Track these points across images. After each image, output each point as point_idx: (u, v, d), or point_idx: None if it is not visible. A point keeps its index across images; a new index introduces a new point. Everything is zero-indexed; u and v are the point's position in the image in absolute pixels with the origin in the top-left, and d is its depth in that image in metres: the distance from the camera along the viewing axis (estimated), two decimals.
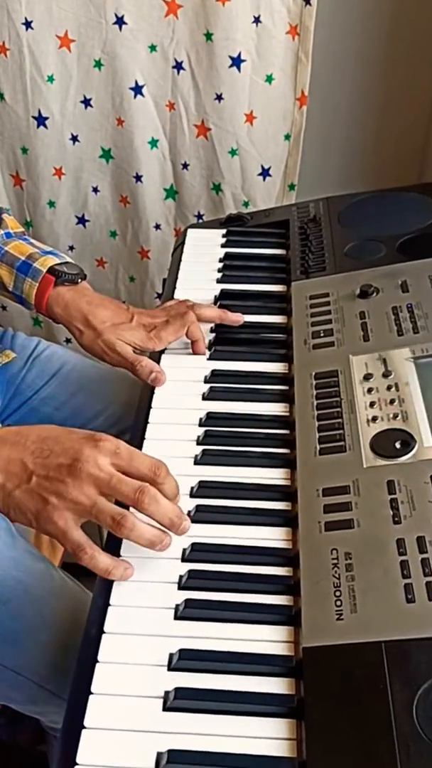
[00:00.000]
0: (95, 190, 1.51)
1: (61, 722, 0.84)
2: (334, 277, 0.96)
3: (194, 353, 0.90)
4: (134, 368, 0.86)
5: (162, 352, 0.90)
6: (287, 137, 1.39)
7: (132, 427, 0.87)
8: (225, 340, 0.92)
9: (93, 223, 1.55)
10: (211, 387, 0.84)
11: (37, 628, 0.74)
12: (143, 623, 0.61)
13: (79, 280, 0.94)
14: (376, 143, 1.45)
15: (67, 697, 0.57)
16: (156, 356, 0.90)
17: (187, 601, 0.62)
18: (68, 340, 1.68)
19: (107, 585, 0.64)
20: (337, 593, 0.61)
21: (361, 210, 1.08)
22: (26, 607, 0.74)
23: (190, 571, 0.65)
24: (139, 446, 0.77)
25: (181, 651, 0.59)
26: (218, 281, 1.02)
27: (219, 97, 1.35)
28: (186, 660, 0.58)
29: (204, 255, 1.08)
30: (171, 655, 0.59)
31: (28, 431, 0.67)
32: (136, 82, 1.37)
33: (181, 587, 0.64)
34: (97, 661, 0.59)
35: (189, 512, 0.70)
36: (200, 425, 0.80)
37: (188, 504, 0.71)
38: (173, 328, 0.88)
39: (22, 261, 0.94)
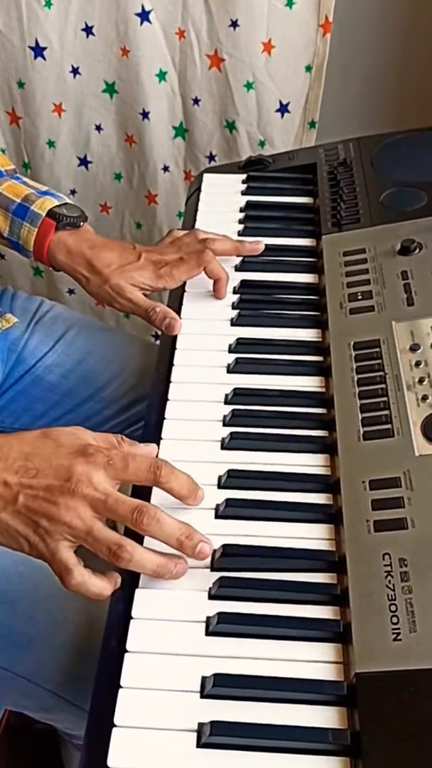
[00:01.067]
0: (98, 128, 1.40)
1: (76, 730, 0.79)
2: (371, 230, 0.86)
3: (216, 296, 0.81)
4: (147, 315, 0.78)
5: (180, 309, 0.81)
6: (308, 69, 1.28)
7: (148, 395, 0.80)
8: (250, 303, 0.82)
9: (96, 164, 1.44)
10: (236, 358, 0.75)
11: (49, 631, 0.67)
12: (168, 642, 0.54)
13: (81, 223, 0.84)
14: (401, 77, 1.33)
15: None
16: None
17: (220, 615, 0.55)
18: (71, 291, 1.58)
19: (125, 588, 0.57)
20: (393, 608, 0.53)
21: (397, 152, 0.97)
22: (35, 607, 0.67)
23: (221, 579, 0.57)
24: (158, 428, 0.69)
25: (215, 677, 0.51)
26: (240, 234, 0.92)
27: (234, 24, 1.23)
28: (223, 698, 0.51)
29: (222, 204, 0.97)
30: (204, 685, 0.51)
31: (8, 445, 0.57)
32: (143, 8, 1.24)
33: (211, 597, 0.56)
34: (120, 687, 0.52)
35: (218, 506, 0.62)
36: (226, 402, 0.71)
37: (216, 497, 0.63)
38: (187, 267, 0.80)
39: (17, 204, 0.84)
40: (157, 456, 0.62)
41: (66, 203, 0.85)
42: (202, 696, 0.51)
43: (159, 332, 0.80)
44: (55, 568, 0.55)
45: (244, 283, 0.84)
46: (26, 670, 0.67)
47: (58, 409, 0.90)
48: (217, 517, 0.61)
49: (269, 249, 0.88)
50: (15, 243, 0.85)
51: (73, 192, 1.47)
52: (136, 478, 0.57)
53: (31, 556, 0.57)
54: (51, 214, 0.83)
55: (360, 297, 0.78)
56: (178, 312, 0.80)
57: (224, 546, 0.59)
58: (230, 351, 0.76)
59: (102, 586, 0.55)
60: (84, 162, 1.44)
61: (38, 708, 0.72)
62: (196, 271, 0.80)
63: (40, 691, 0.68)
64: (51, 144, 1.41)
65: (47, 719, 0.75)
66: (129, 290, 0.78)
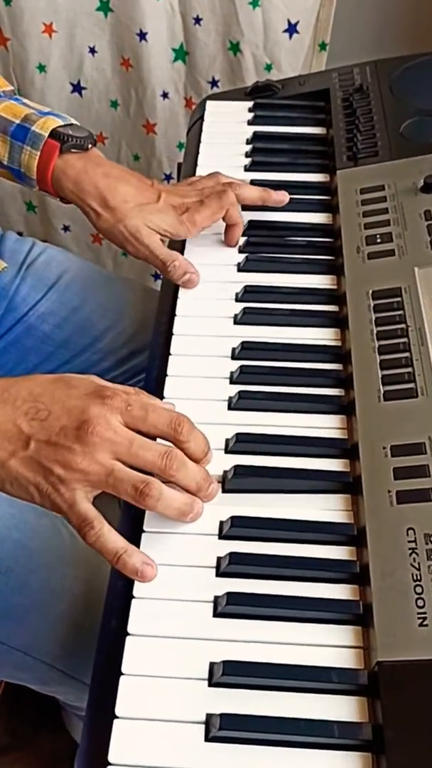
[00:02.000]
0: (92, 50, 1.30)
1: (77, 701, 0.76)
2: (390, 164, 0.79)
3: (227, 242, 0.75)
4: (165, 268, 0.70)
5: (182, 251, 0.74)
6: None
7: (148, 347, 0.74)
8: (258, 246, 0.76)
9: (90, 90, 1.35)
10: (244, 308, 0.69)
11: (45, 602, 0.63)
12: (173, 624, 0.50)
13: (90, 146, 0.76)
14: None
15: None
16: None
17: (229, 595, 0.50)
18: (66, 228, 1.51)
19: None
20: (418, 589, 0.48)
21: (420, 76, 0.89)
22: (31, 577, 0.63)
23: (231, 555, 0.52)
24: (160, 385, 0.63)
25: (225, 664, 0.47)
26: (246, 169, 0.84)
27: None
28: (233, 687, 0.47)
29: (227, 134, 0.90)
30: (213, 672, 0.47)
31: (17, 387, 0.53)
32: None
33: (220, 573, 0.52)
34: (121, 674, 0.48)
35: (225, 473, 0.57)
36: (233, 358, 0.66)
37: (223, 462, 0.58)
38: (209, 211, 0.72)
39: (16, 125, 0.75)
40: None
41: (71, 123, 0.76)
42: (210, 684, 0.47)
43: (158, 271, 0.74)
44: (73, 520, 0.51)
45: (251, 224, 0.77)
46: (21, 642, 0.64)
47: (52, 361, 0.84)
48: (224, 491, 0.56)
49: (278, 186, 0.81)
50: (16, 171, 0.76)
51: None
52: (153, 430, 0.53)
53: (43, 507, 0.52)
54: (54, 134, 0.74)
55: (379, 240, 0.72)
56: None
57: (233, 518, 0.54)
58: (237, 300, 0.70)
59: (119, 544, 0.50)
60: (77, 88, 1.35)
61: (36, 681, 0.69)
62: (219, 214, 0.72)
63: (37, 664, 0.64)
64: (41, 68, 1.32)
65: (47, 691, 0.72)
66: (146, 234, 0.70)
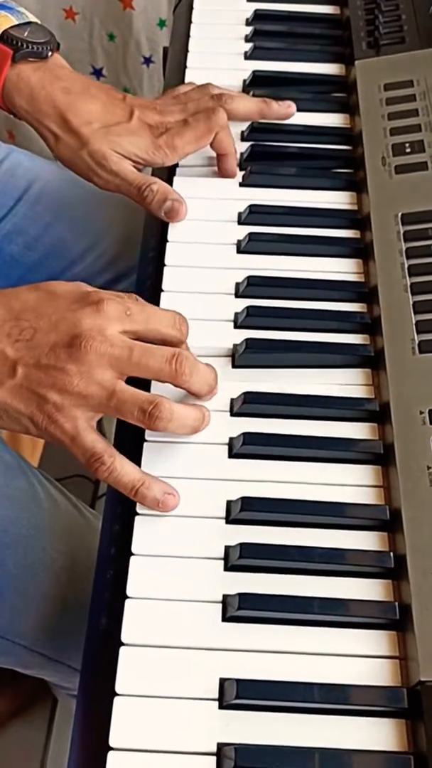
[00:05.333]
0: None
1: (64, 683, 0.69)
2: (420, 53, 0.66)
3: (222, 174, 0.62)
4: (140, 194, 0.58)
5: (173, 172, 0.62)
6: None
7: (132, 271, 0.66)
8: (262, 157, 0.64)
9: None
10: (249, 235, 0.58)
11: (22, 581, 0.55)
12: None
13: (50, 53, 0.62)
14: None
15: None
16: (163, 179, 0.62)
17: (241, 596, 0.42)
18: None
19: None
20: None
21: None
22: (5, 554, 0.55)
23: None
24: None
25: (239, 683, 0.40)
26: (247, 56, 0.71)
27: None
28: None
29: (222, 14, 0.76)
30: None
31: None
32: None
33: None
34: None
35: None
36: (238, 295, 0.55)
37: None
38: (193, 134, 0.59)
39: None
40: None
41: (29, 22, 0.62)
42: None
43: None
44: (78, 456, 0.45)
45: (253, 128, 0.65)
46: None
47: None
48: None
49: (285, 79, 0.69)
50: None
51: None
52: (157, 335, 0.47)
53: (41, 439, 0.47)
54: (6, 38, 0.60)
55: (408, 149, 0.60)
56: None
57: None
58: (240, 222, 0.59)
59: (136, 476, 0.45)
60: None
61: (17, 664, 0.62)
62: (206, 138, 0.59)
63: (15, 647, 0.57)
64: None
65: (31, 674, 0.65)
66: (115, 160, 0.58)
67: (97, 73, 1.33)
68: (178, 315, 0.48)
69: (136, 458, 0.47)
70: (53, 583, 0.56)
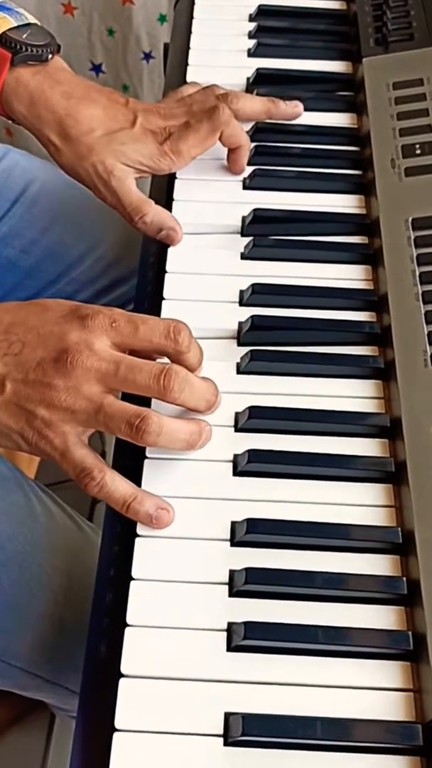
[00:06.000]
0: None
1: (63, 705, 0.67)
2: (429, 51, 0.64)
3: (232, 169, 0.60)
4: (133, 224, 0.57)
5: (173, 181, 0.60)
6: None
7: (131, 276, 0.64)
8: (266, 158, 0.61)
9: None
10: (253, 241, 0.56)
11: (18, 601, 0.53)
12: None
13: (50, 56, 0.59)
14: None
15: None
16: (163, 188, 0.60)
17: (247, 625, 0.40)
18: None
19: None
20: None
21: None
22: (1, 570, 0.53)
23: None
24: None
25: (245, 719, 0.38)
26: (251, 54, 0.69)
27: None
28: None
29: (225, 9, 0.73)
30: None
31: None
32: None
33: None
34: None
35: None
36: (242, 304, 0.53)
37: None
38: (197, 136, 0.57)
39: None
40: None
41: (28, 24, 0.59)
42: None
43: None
44: (69, 471, 0.44)
45: (257, 128, 0.63)
46: None
47: (18, 293, 0.70)
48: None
49: (290, 77, 0.67)
50: None
51: None
52: (148, 345, 0.45)
53: (34, 455, 0.46)
54: (5, 40, 0.57)
55: (419, 151, 0.58)
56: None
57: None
58: (243, 234, 0.57)
59: (128, 491, 0.43)
60: None
61: (13, 686, 0.60)
62: (212, 138, 0.57)
63: (11, 670, 0.55)
64: None
65: (28, 695, 0.63)
66: (117, 176, 0.55)
67: (96, 68, 1.30)
68: (174, 323, 0.45)
69: (136, 476, 0.45)
70: (50, 603, 0.54)
